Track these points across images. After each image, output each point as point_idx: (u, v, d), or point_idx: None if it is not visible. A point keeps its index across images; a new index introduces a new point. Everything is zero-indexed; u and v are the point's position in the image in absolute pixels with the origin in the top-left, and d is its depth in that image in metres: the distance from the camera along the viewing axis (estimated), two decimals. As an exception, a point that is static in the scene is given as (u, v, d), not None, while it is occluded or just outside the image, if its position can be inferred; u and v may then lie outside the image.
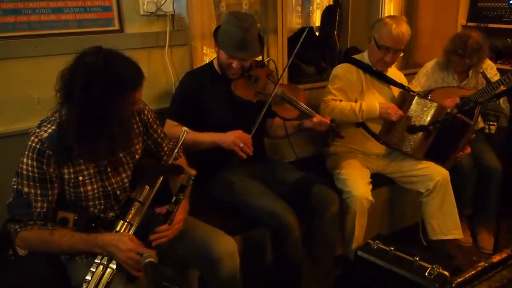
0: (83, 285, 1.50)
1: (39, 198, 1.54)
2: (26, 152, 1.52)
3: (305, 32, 2.25)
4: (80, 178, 1.60)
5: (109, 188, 1.67)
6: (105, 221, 1.68)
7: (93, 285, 1.50)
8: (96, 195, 1.65)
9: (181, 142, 1.78)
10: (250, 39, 2.17)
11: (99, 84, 1.43)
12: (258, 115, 2.16)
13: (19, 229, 1.53)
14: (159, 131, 1.88)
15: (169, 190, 1.85)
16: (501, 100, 2.89)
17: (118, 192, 1.71)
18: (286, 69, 2.63)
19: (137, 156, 1.78)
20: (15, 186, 1.55)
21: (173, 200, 1.65)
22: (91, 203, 1.65)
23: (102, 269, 1.54)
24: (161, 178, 1.75)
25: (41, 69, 2.17)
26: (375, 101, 2.58)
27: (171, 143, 1.94)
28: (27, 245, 1.57)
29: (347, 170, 2.53)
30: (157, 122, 1.88)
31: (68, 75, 1.47)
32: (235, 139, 2.09)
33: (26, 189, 1.53)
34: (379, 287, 2.12)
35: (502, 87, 2.76)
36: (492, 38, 3.49)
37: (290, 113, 2.33)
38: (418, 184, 2.59)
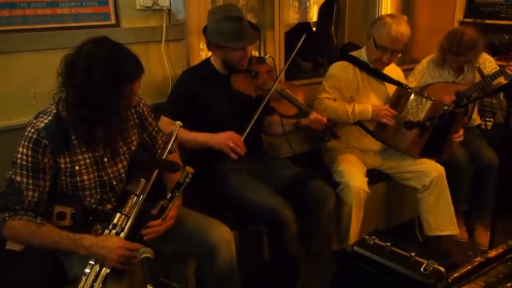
0: (82, 277, 1.50)
1: (30, 187, 1.54)
2: (22, 142, 1.53)
3: (303, 38, 2.27)
4: (77, 167, 1.61)
5: (105, 178, 1.68)
6: (101, 214, 1.69)
7: (92, 278, 1.50)
8: (93, 184, 1.66)
9: (175, 135, 1.78)
10: (245, 26, 2.16)
11: (99, 69, 1.46)
12: (256, 109, 2.16)
13: (7, 218, 1.53)
14: (154, 124, 1.90)
15: (162, 183, 1.85)
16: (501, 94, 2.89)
17: (115, 183, 1.72)
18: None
19: (133, 148, 1.79)
20: (8, 176, 1.56)
21: (168, 197, 1.64)
22: (88, 192, 1.65)
23: None
24: (156, 172, 1.75)
25: (37, 64, 2.16)
26: (369, 103, 2.58)
27: (165, 136, 1.94)
28: (13, 234, 1.56)
29: (344, 163, 2.54)
30: (152, 115, 1.90)
31: (71, 60, 1.51)
32: (226, 140, 2.10)
33: (18, 178, 1.53)
34: (375, 283, 2.12)
35: (500, 80, 2.77)
36: (489, 34, 3.49)
37: (288, 110, 2.32)
38: (414, 180, 2.60)
